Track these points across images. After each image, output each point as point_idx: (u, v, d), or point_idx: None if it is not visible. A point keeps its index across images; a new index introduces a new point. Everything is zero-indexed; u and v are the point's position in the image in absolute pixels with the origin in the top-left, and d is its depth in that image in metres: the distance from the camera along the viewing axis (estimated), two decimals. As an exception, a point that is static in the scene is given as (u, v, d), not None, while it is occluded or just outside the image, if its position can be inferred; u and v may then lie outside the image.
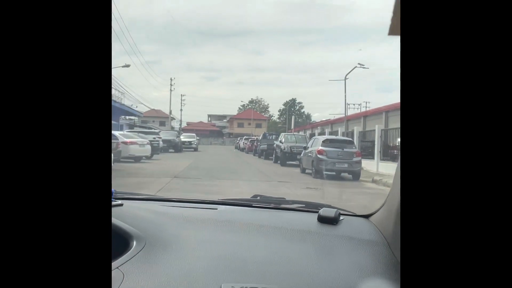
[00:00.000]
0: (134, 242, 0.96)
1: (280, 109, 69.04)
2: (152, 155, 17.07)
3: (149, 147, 15.81)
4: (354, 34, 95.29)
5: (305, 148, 13.16)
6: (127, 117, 38.78)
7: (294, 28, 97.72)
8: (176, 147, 25.18)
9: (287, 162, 15.99)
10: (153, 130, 25.19)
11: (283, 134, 19.08)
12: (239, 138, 41.66)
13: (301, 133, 28.35)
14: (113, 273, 0.80)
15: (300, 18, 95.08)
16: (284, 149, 16.23)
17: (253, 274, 0.86)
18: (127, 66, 23.53)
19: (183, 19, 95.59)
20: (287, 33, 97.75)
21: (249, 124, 60.18)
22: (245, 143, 32.83)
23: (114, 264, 0.84)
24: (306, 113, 67.25)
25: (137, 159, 15.13)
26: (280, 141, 17.36)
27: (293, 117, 46.33)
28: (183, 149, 28.64)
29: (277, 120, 67.58)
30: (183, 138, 29.94)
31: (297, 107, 69.05)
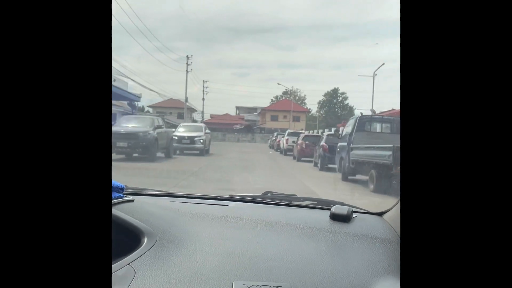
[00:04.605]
0: (146, 239, 0.95)
1: (319, 101, 57.97)
2: None
3: None
4: (387, 29, 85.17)
5: None
6: (134, 102, 25.69)
7: (326, 23, 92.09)
8: (148, 149, 11.73)
9: None
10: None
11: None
12: (275, 134, 27.72)
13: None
14: (125, 269, 0.81)
15: (333, 13, 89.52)
16: None
17: (264, 272, 0.85)
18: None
19: (215, 16, 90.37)
20: (319, 28, 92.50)
21: (285, 117, 46.99)
22: (291, 142, 18.74)
23: (126, 260, 0.85)
24: (350, 105, 56.37)
25: None
26: None
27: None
28: (183, 151, 15.48)
29: (315, 114, 55.90)
30: (180, 132, 16.24)
31: (340, 98, 58.28)
